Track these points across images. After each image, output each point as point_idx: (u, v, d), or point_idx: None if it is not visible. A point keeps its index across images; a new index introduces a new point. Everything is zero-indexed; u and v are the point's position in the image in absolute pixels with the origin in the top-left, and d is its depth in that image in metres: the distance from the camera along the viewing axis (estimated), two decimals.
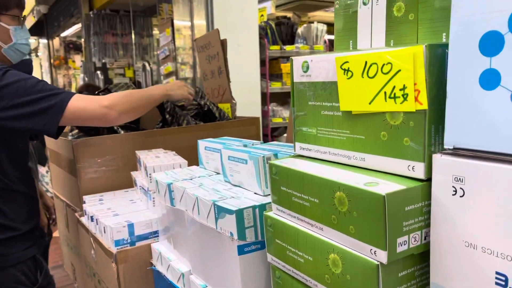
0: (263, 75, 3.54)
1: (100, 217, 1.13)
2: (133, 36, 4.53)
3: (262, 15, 4.01)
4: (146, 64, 3.68)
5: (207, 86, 2.00)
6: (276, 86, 3.64)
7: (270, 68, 3.72)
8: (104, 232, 1.10)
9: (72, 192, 1.45)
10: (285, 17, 4.07)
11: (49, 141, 1.70)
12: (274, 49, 3.65)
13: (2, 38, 1.15)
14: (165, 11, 3.29)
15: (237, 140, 1.03)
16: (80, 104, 1.09)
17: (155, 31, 4.64)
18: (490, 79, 0.42)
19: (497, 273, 0.44)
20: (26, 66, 1.23)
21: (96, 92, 1.70)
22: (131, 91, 1.30)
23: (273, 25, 3.77)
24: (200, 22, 3.10)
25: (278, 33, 3.81)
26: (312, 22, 4.16)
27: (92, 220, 1.19)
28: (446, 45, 0.48)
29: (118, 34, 4.65)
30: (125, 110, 1.18)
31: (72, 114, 1.08)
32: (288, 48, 3.71)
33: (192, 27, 3.13)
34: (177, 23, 3.11)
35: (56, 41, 6.19)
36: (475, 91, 0.44)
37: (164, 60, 3.24)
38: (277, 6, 4.86)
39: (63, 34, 5.91)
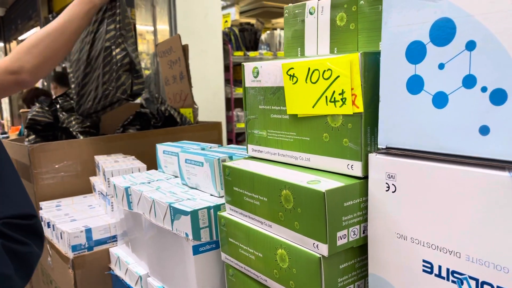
0: (227, 81, 3.57)
1: (56, 222, 1.12)
2: None
3: (226, 21, 4.05)
4: None
5: (169, 91, 2.01)
6: (240, 92, 3.68)
7: (234, 74, 3.76)
8: (61, 238, 1.09)
9: None
10: (248, 23, 4.12)
11: (4, 146, 1.65)
12: (238, 55, 3.70)
13: None
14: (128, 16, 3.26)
15: (195, 144, 1.05)
16: None
17: None
18: (415, 85, 0.47)
19: (424, 261, 0.48)
20: None
21: (54, 97, 1.68)
22: (41, 33, 1.04)
23: (237, 31, 3.81)
24: (163, 27, 3.10)
25: (242, 39, 3.85)
26: (275, 29, 4.24)
27: (48, 226, 1.18)
28: (380, 53, 0.52)
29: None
30: (39, 65, 0.99)
31: None
32: (251, 54, 3.76)
33: (155, 32, 3.12)
34: (139, 28, 3.09)
35: (14, 45, 5.98)
36: (403, 95, 0.48)
37: None
38: (241, 13, 4.91)
39: (20, 37, 5.72)
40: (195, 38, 3.07)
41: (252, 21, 4.32)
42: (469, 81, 0.42)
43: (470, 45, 0.42)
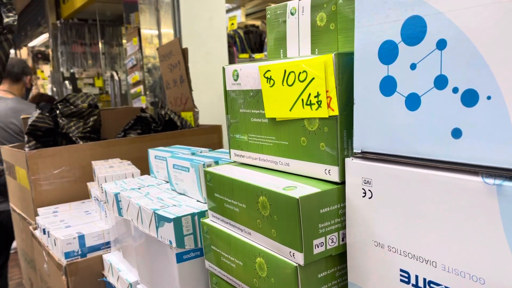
0: None
1: (51, 229, 1.11)
2: (100, 45, 4.48)
3: (232, 24, 4.05)
4: (114, 74, 3.65)
5: (170, 95, 2.00)
6: None
7: None
8: (55, 244, 1.08)
9: (27, 205, 1.43)
10: (253, 25, 4.11)
11: (4, 153, 1.66)
12: (243, 57, 3.68)
13: None
14: (132, 20, 3.28)
15: (187, 148, 1.03)
16: None
17: (124, 40, 4.61)
18: (388, 86, 0.45)
19: (401, 270, 0.46)
20: None
21: (55, 103, 1.69)
22: None
23: (242, 34, 3.80)
24: (167, 31, 3.10)
25: (247, 41, 3.84)
26: None
27: (44, 232, 1.17)
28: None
29: (87, 43, 4.60)
30: None
31: None
32: (257, 56, 3.75)
33: (159, 36, 3.13)
34: (144, 32, 3.10)
35: (24, 51, 6.07)
36: (376, 97, 0.46)
37: (131, 69, 3.23)
38: (247, 15, 4.91)
39: (30, 44, 5.80)
40: (200, 41, 3.07)
41: (257, 23, 4.31)
42: (440, 82, 0.40)
43: (441, 44, 0.39)
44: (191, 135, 1.70)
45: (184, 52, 1.86)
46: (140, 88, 3.15)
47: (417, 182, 0.42)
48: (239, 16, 5.00)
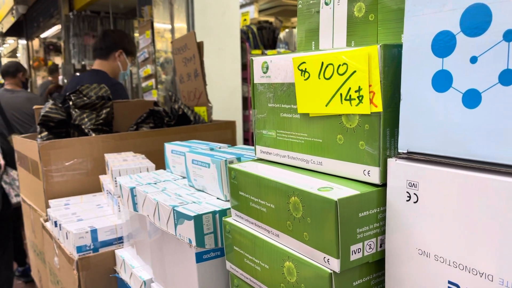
0: (244, 79, 3.52)
1: (63, 222, 1.09)
2: None
3: (245, 19, 4.00)
4: None
5: (183, 89, 1.97)
6: None
7: None
8: (67, 238, 1.06)
9: (39, 196, 1.41)
10: (266, 21, 4.07)
11: (16, 143, 1.64)
12: (255, 53, 3.64)
13: (124, 67, 2.10)
14: (145, 14, 3.25)
15: (205, 144, 1.00)
16: None
17: (136, 34, 4.59)
18: (442, 81, 0.41)
19: (449, 282, 0.42)
20: None
21: (68, 94, 1.66)
22: None
23: (255, 30, 3.76)
24: (180, 25, 3.07)
25: (260, 38, 3.80)
26: (294, 27, 4.17)
27: (55, 225, 1.15)
28: (401, 46, 0.46)
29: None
30: None
31: None
32: (269, 52, 3.71)
33: (172, 30, 3.09)
34: (157, 25, 3.07)
35: (36, 42, 6.07)
36: (428, 93, 0.42)
37: (143, 62, 3.20)
38: (260, 11, 4.87)
39: (43, 35, 5.80)
40: (213, 36, 3.03)
41: (271, 19, 4.26)
42: (507, 77, 0.36)
43: (509, 35, 0.36)
44: (205, 130, 1.67)
45: (200, 46, 1.83)
46: (152, 81, 3.12)
47: (475, 187, 0.39)
48: (252, 12, 4.95)
